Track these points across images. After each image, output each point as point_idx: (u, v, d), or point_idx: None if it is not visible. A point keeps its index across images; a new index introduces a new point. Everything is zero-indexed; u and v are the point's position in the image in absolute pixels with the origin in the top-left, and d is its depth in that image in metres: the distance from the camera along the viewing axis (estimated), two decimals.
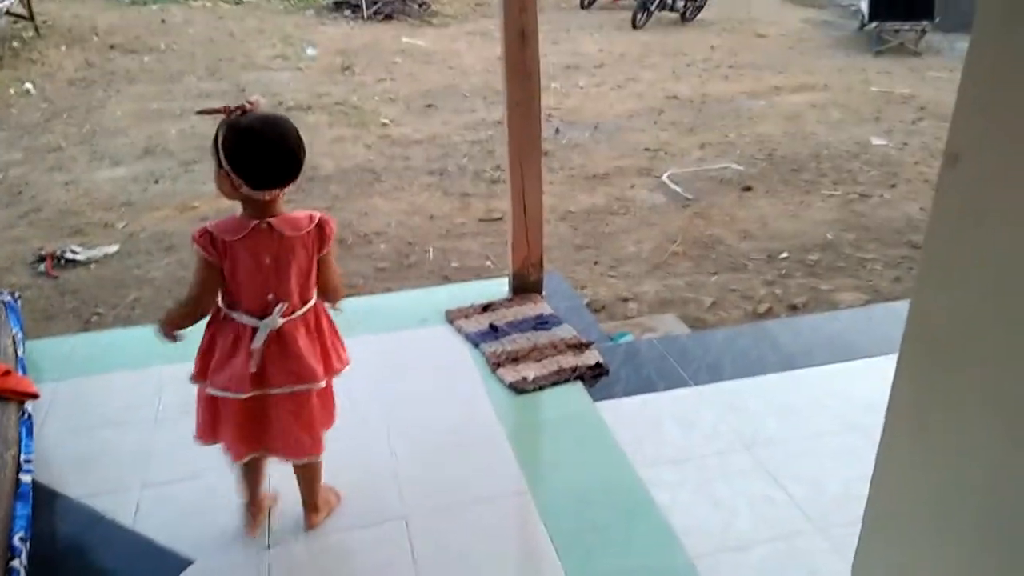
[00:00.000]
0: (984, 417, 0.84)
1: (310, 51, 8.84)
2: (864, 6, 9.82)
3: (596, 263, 4.27)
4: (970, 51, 0.79)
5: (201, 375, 1.77)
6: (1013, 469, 0.82)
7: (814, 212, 4.86)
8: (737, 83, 7.86)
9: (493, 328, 2.79)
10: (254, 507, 1.97)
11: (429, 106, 6.99)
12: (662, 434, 2.33)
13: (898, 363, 0.94)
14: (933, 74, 8.26)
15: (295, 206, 1.79)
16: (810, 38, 10.20)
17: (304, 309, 1.76)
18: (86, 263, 4.11)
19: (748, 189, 5.19)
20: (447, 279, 4.05)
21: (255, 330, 1.70)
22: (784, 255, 4.32)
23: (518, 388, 2.49)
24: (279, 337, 1.72)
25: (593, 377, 2.57)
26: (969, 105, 0.80)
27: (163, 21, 10.32)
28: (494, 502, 2.07)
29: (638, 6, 10.68)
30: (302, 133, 1.70)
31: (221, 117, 1.65)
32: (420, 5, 11.14)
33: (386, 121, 6.52)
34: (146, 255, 4.22)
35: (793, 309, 3.80)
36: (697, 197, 5.06)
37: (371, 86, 7.60)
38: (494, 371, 2.58)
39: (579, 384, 2.54)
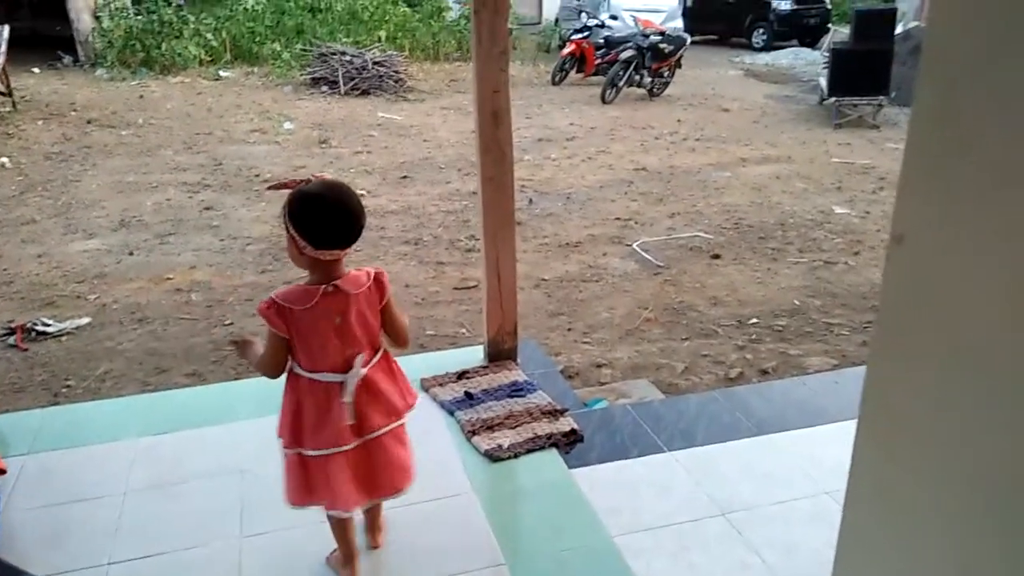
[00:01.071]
0: (944, 482, 0.88)
1: (287, 125, 9.00)
2: (823, 82, 10.26)
3: (570, 329, 4.32)
4: (908, 140, 0.86)
5: (296, 442, 1.87)
6: (975, 533, 0.85)
7: (781, 279, 4.97)
8: (704, 155, 8.12)
9: (468, 395, 2.80)
10: (350, 557, 2.04)
11: (404, 177, 7.12)
12: (637, 500, 2.34)
13: (857, 430, 0.98)
14: (891, 145, 8.59)
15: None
16: (773, 112, 10.59)
17: (378, 356, 1.89)
18: (57, 335, 4.07)
19: (717, 257, 5.31)
20: (422, 347, 4.07)
21: (342, 385, 1.81)
22: (753, 321, 4.40)
23: (493, 456, 2.50)
24: (365, 385, 1.84)
25: (568, 444, 2.58)
26: (910, 189, 0.87)
27: (141, 97, 10.48)
28: (471, 575, 2.05)
29: (607, 82, 11.05)
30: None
31: (287, 192, 1.80)
32: (396, 81, 11.43)
33: (362, 192, 6.61)
34: (118, 327, 4.20)
35: (764, 373, 3.85)
36: (667, 265, 5.16)
37: (347, 158, 7.73)
38: (469, 439, 2.59)
39: (554, 451, 2.55)
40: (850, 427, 1.04)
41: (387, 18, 14.86)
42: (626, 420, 2.74)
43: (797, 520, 2.24)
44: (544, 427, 2.62)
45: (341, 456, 1.84)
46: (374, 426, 1.88)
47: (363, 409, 1.84)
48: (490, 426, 2.62)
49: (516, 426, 2.62)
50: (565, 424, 2.64)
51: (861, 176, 7.32)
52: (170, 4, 13.80)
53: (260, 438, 2.59)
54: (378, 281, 1.86)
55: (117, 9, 13.19)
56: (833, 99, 9.62)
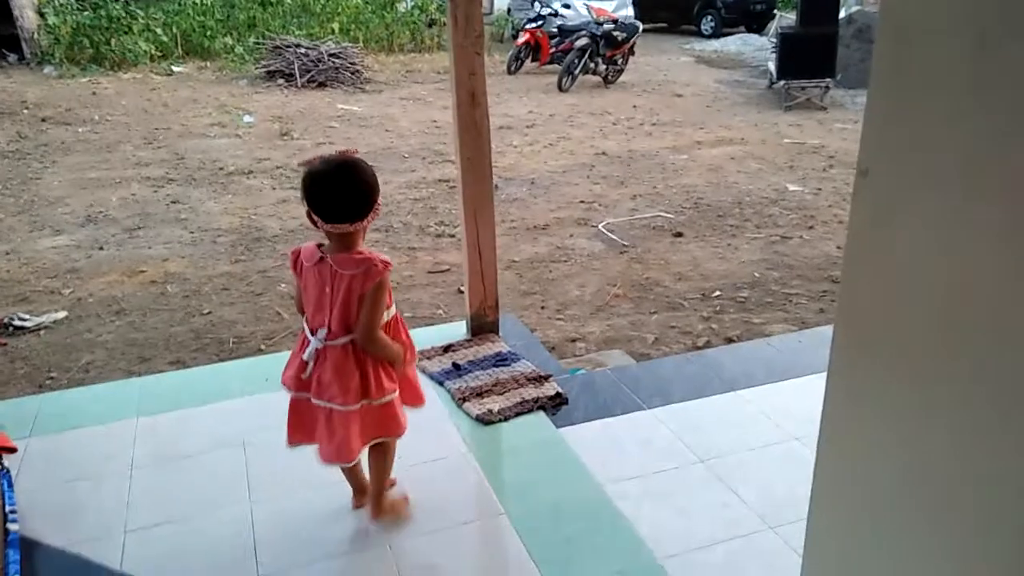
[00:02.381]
0: (911, 405, 1.03)
1: (247, 118, 8.97)
2: (772, 66, 10.57)
3: (543, 307, 4.47)
4: (869, 92, 1.02)
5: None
6: (941, 452, 1.00)
7: (741, 254, 5.19)
8: (660, 139, 8.33)
9: (456, 366, 2.93)
10: (355, 489, 2.25)
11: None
12: (623, 453, 2.50)
13: (831, 353, 1.13)
14: (839, 126, 8.92)
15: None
16: (724, 96, 10.87)
17: (344, 339, 1.95)
18: (35, 329, 4.08)
19: (679, 235, 5.51)
20: None
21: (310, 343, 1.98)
22: (717, 294, 4.61)
23: (484, 420, 2.63)
24: (322, 358, 1.97)
25: (554, 406, 2.73)
26: (874, 125, 1.03)
27: (94, 93, 10.31)
28: (473, 524, 2.19)
29: (563, 70, 11.21)
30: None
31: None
32: (353, 73, 11.43)
33: None
34: (96, 319, 4.22)
35: (729, 341, 4.05)
36: (632, 244, 5.34)
37: (310, 150, 7.75)
38: (460, 405, 2.72)
39: (541, 413, 2.70)
40: (814, 381, 1.19)
41: (339, 10, 14.80)
42: (607, 383, 2.90)
43: (770, 463, 2.43)
44: (531, 392, 2.77)
45: (291, 397, 2.04)
46: (311, 392, 1.99)
47: (314, 372, 1.98)
48: (479, 393, 2.76)
49: (504, 392, 2.76)
50: (550, 388, 2.79)
51: (812, 155, 7.61)
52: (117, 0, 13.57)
53: (257, 413, 2.70)
54: (367, 272, 1.90)
55: (61, 5, 12.91)
56: (782, 82, 9.92)
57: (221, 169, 6.99)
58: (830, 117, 9.39)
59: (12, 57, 12.52)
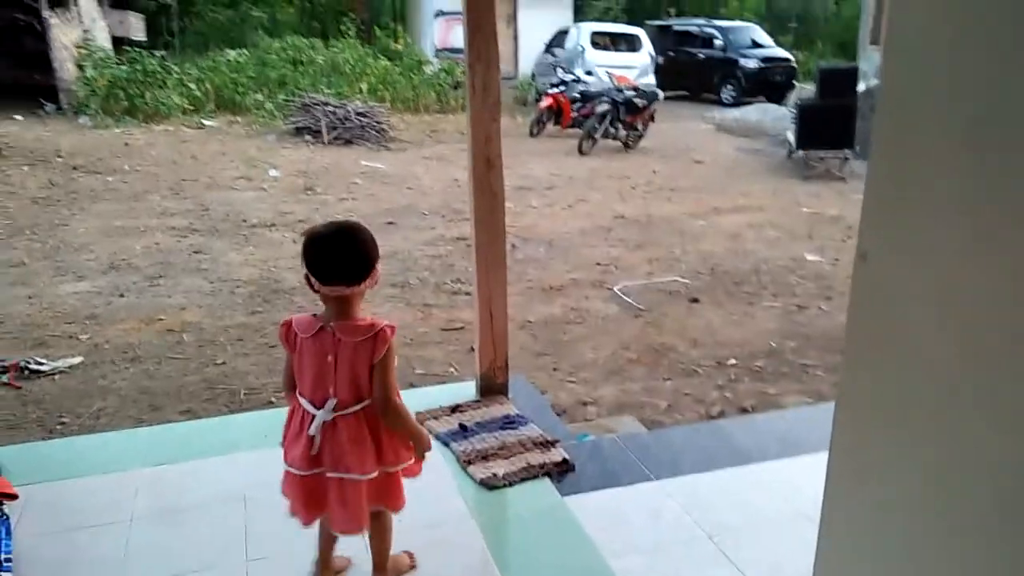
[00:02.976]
0: (912, 473, 1.01)
1: (273, 172, 9.15)
2: (791, 136, 10.67)
3: (555, 369, 4.45)
4: (869, 170, 1.03)
5: (283, 446, 2.02)
6: (942, 545, 0.97)
7: (757, 322, 5.16)
8: (679, 204, 8.39)
9: (463, 428, 2.91)
10: (323, 566, 2.15)
11: (390, 224, 7.28)
12: (629, 526, 2.44)
13: (832, 433, 1.12)
14: (857, 196, 8.78)
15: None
16: (744, 164, 10.97)
17: (356, 407, 1.92)
18: (50, 374, 4.11)
19: (695, 301, 5.49)
20: (412, 385, 4.16)
21: (314, 418, 1.92)
22: (732, 361, 4.56)
23: (489, 484, 2.60)
24: (332, 429, 1.91)
25: (560, 473, 2.69)
26: (873, 207, 1.03)
27: (126, 144, 10.60)
28: None
29: (584, 134, 11.39)
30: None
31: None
32: (378, 131, 11.68)
33: None
34: (111, 366, 4.25)
35: (743, 411, 4.00)
36: (648, 308, 5.33)
37: (333, 205, 7.88)
38: (465, 468, 2.69)
39: (547, 480, 2.66)
40: (827, 457, 1.16)
41: (368, 71, 15.21)
42: (615, 451, 2.86)
43: (780, 541, 2.36)
44: (537, 457, 2.73)
45: (297, 477, 1.95)
46: (326, 466, 1.94)
47: (324, 445, 1.92)
48: (485, 456, 2.72)
49: (510, 456, 2.73)
50: (557, 454, 2.75)
51: (830, 225, 7.61)
52: (153, 55, 14.04)
53: (261, 467, 2.67)
54: (376, 337, 1.88)
55: (100, 59, 13.38)
56: (801, 152, 10.00)
57: (244, 221, 7.10)
58: (849, 188, 9.42)
59: (50, 107, 12.93)
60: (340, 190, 8.54)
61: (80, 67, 13.25)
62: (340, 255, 1.88)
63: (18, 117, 12.23)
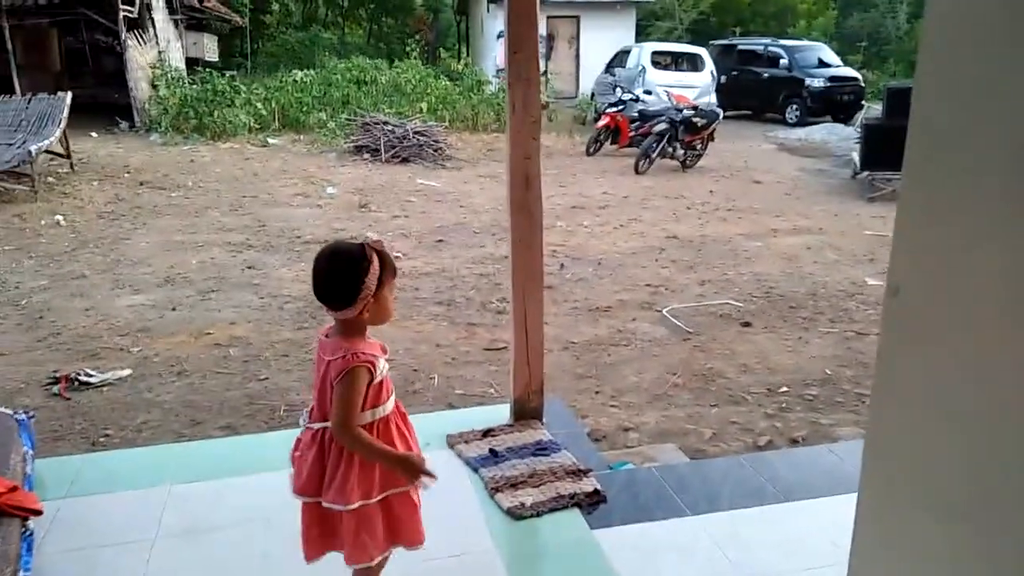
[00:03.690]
0: (938, 547, 0.91)
1: (330, 190, 9.30)
2: (856, 156, 10.34)
3: (598, 392, 4.34)
4: (900, 200, 0.92)
5: None
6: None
7: (812, 348, 4.95)
8: (735, 225, 8.18)
9: (493, 453, 2.83)
10: None
11: (440, 241, 7.28)
12: (659, 564, 2.33)
13: (861, 480, 1.01)
14: None
15: (317, 332, 1.98)
16: (805, 185, 10.66)
17: (318, 425, 1.90)
18: (99, 386, 4.20)
19: (747, 325, 5.31)
20: (451, 405, 4.11)
21: None
22: (784, 389, 4.38)
23: (516, 514, 2.51)
24: (309, 447, 1.92)
25: (591, 504, 2.59)
26: (903, 248, 0.93)
27: (192, 161, 10.94)
28: None
29: (640, 153, 11.26)
30: None
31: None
32: (435, 150, 11.78)
33: (398, 255, 6.78)
34: (158, 379, 4.32)
35: (793, 443, 3.81)
36: (697, 331, 5.17)
37: (386, 222, 7.94)
38: (492, 495, 2.61)
39: (576, 511, 2.56)
40: None
41: (429, 91, 15.40)
42: (650, 482, 2.74)
43: None
44: (567, 486, 2.63)
45: (302, 504, 1.97)
46: (295, 488, 1.93)
47: (309, 468, 1.91)
48: (513, 484, 2.64)
49: (539, 485, 2.64)
50: (588, 484, 2.65)
51: None
52: (223, 75, 14.50)
53: (286, 488, 2.65)
54: (340, 361, 1.82)
55: (173, 79, 13.88)
56: (866, 173, 9.67)
57: (299, 237, 7.21)
58: None
59: (124, 124, 13.46)
60: (394, 208, 8.61)
61: (154, 86, 13.77)
62: (318, 279, 1.87)
63: (94, 134, 12.76)
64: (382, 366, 1.92)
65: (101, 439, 3.70)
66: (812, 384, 4.45)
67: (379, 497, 1.92)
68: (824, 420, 4.06)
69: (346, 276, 1.85)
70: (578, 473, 2.71)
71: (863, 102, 17.23)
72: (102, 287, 5.78)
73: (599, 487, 2.64)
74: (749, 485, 2.74)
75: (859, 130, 11.12)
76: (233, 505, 2.59)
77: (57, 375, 4.24)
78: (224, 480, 2.75)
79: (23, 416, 2.91)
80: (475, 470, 2.76)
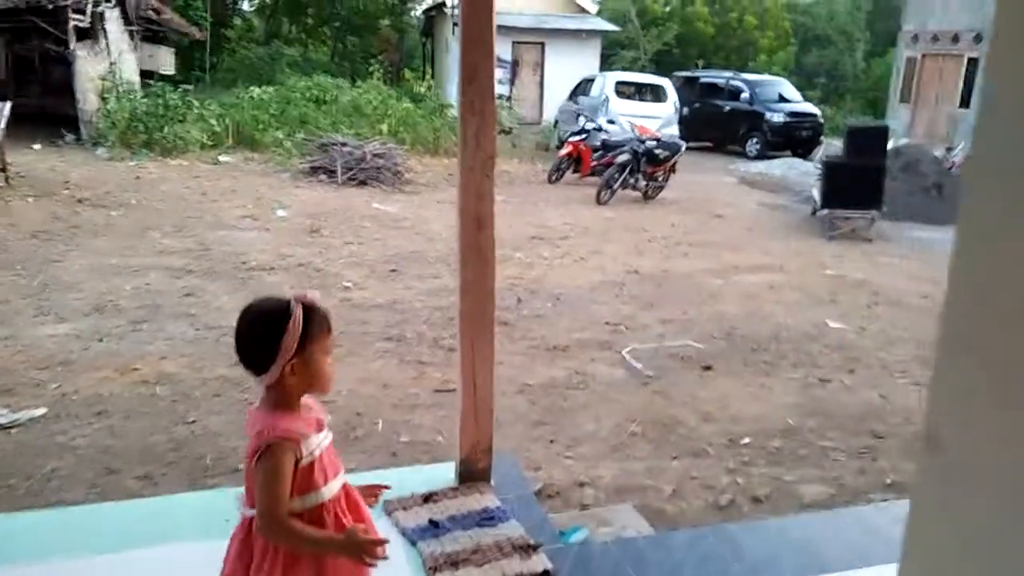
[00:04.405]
0: None
1: (280, 212, 8.96)
2: (816, 193, 10.35)
3: (552, 441, 4.10)
4: (941, 331, 0.70)
5: None
6: None
7: (775, 395, 4.79)
8: (697, 260, 8.06)
9: (433, 524, 2.56)
10: None
11: (393, 271, 7.01)
12: None
13: None
14: (884, 259, 8.56)
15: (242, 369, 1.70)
16: (766, 220, 10.64)
17: (248, 511, 1.67)
18: (7, 427, 3.83)
19: (708, 368, 5.13)
20: (394, 455, 3.83)
21: None
22: (746, 440, 4.19)
23: None
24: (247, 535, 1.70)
25: None
26: (944, 391, 0.71)
27: (137, 177, 10.50)
28: None
29: (603, 183, 11.15)
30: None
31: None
32: (394, 173, 11.52)
33: (348, 284, 6.48)
34: (74, 420, 3.96)
35: (756, 501, 3.61)
36: (657, 375, 4.98)
37: (337, 248, 7.64)
38: None
39: None
40: None
41: (390, 112, 15.15)
42: (606, 559, 2.49)
43: None
44: (514, 565, 2.37)
45: None
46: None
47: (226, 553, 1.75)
48: (455, 561, 2.37)
49: (483, 563, 2.38)
50: (537, 563, 2.39)
51: (855, 290, 7.23)
52: (178, 89, 14.07)
53: (205, 564, 2.34)
54: (253, 439, 1.61)
55: (124, 92, 13.41)
56: (826, 211, 9.67)
57: (244, 263, 6.87)
58: (875, 249, 9.05)
59: (69, 137, 12.93)
60: (347, 233, 8.31)
61: (103, 99, 13.28)
62: (236, 340, 1.65)
63: (36, 147, 12.22)
64: (313, 444, 1.65)
65: (3, 490, 3.33)
66: (775, 435, 4.27)
67: None
68: (788, 476, 3.87)
69: (260, 335, 1.63)
70: (527, 549, 2.46)
71: (822, 138, 17.45)
72: (25, 314, 5.37)
73: (549, 567, 2.38)
74: (712, 562, 2.51)
75: (818, 166, 11.16)
76: None
77: None
78: (128, 552, 2.42)
79: None
80: (413, 543, 2.49)
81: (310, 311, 1.64)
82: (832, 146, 14.33)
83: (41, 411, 4.01)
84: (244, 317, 1.66)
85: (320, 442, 1.67)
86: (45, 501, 3.26)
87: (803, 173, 14.49)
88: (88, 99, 13.16)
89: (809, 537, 2.69)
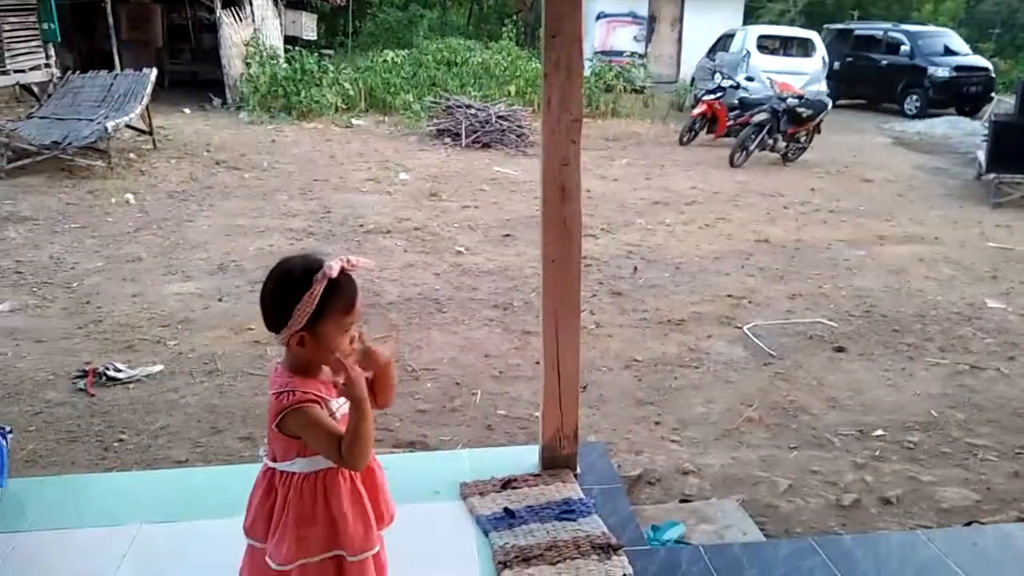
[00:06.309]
0: None
1: (402, 175, 9.01)
2: (982, 155, 9.27)
3: (658, 423, 3.84)
4: None
5: None
6: None
7: (917, 383, 4.28)
8: (836, 229, 7.40)
9: (509, 512, 2.39)
10: None
11: (507, 236, 6.87)
12: None
13: None
14: None
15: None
16: (921, 185, 9.66)
17: (270, 463, 1.64)
18: (126, 382, 4.00)
19: (841, 350, 4.67)
20: (490, 428, 3.71)
21: None
22: (879, 433, 3.76)
23: None
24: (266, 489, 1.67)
25: None
26: None
27: (273, 141, 10.88)
28: None
29: (737, 145, 10.48)
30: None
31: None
32: (518, 136, 11.33)
33: (461, 249, 6.40)
34: (187, 378, 4.09)
35: (886, 503, 3.22)
36: (781, 355, 4.57)
37: (454, 212, 7.58)
38: (499, 572, 2.17)
39: None
40: None
41: (518, 73, 14.92)
42: (694, 568, 2.24)
43: None
44: (591, 567, 2.17)
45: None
46: (243, 525, 1.69)
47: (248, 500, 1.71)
48: (526, 557, 2.20)
49: (557, 560, 2.19)
50: (617, 566, 2.17)
51: (1021, 265, 6.39)
52: (317, 54, 14.46)
53: None
54: (273, 401, 1.56)
55: (266, 57, 13.92)
56: (992, 175, 8.64)
57: (361, 226, 6.93)
58: None
59: (216, 101, 13.62)
60: (465, 197, 8.23)
61: (247, 64, 13.85)
62: (262, 296, 1.61)
63: (186, 110, 12.94)
64: (334, 406, 1.58)
65: (115, 443, 3.48)
66: (913, 428, 3.81)
67: (322, 557, 1.60)
68: (925, 476, 3.43)
69: (275, 296, 1.56)
70: (607, 549, 2.24)
71: (993, 94, 15.68)
72: (154, 272, 5.64)
73: (629, 572, 2.16)
74: None
75: (986, 125, 9.99)
76: (204, 554, 2.25)
77: (86, 368, 4.06)
78: (202, 522, 2.41)
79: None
80: (485, 533, 2.33)
81: (336, 285, 1.52)
82: (1004, 103, 12.84)
83: (158, 368, 4.17)
84: (274, 270, 1.61)
85: (340, 406, 1.60)
86: (152, 457, 3.38)
87: (968, 133, 13.09)
88: (233, 64, 13.77)
89: (938, 558, 2.31)
